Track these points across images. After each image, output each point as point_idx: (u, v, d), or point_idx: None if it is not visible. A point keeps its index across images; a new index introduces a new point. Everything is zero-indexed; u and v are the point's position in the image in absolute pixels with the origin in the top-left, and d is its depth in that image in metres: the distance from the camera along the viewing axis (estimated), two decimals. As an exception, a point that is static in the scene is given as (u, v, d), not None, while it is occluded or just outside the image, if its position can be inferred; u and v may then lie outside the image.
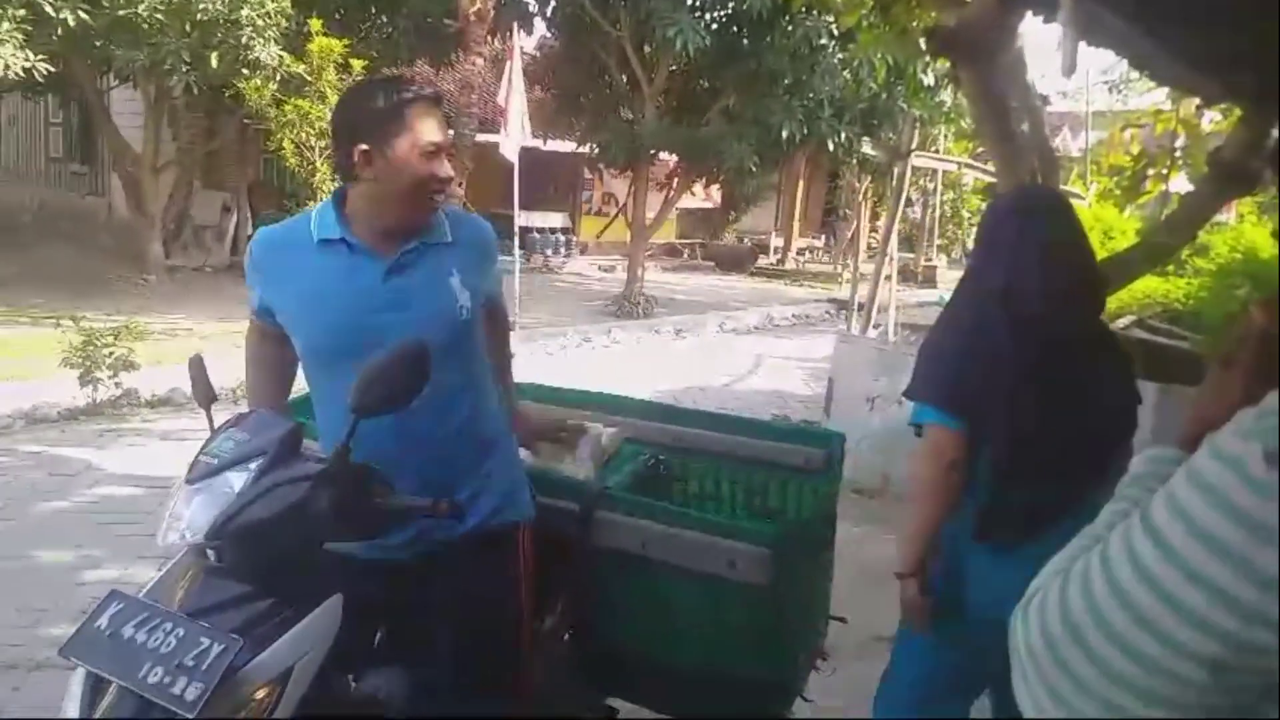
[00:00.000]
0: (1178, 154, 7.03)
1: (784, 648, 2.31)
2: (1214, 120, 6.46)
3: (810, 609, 2.58)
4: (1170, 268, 6.92)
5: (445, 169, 1.93)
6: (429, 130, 1.89)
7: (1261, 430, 0.71)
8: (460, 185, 12.06)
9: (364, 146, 1.85)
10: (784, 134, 11.74)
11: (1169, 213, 6.50)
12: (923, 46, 5.38)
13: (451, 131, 2.03)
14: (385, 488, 1.70)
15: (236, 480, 1.60)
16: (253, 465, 1.61)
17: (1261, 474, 0.70)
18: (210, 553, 1.58)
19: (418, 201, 1.92)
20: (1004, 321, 2.07)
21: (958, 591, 2.11)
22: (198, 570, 1.59)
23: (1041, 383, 2.05)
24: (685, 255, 21.77)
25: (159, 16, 9.62)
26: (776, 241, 22.68)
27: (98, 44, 9.97)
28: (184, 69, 9.96)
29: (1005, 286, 2.09)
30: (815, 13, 10.78)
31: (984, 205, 20.02)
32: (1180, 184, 7.89)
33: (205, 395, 1.99)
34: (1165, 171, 7.14)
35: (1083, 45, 3.73)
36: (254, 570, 1.57)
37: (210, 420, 1.87)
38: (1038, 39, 5.31)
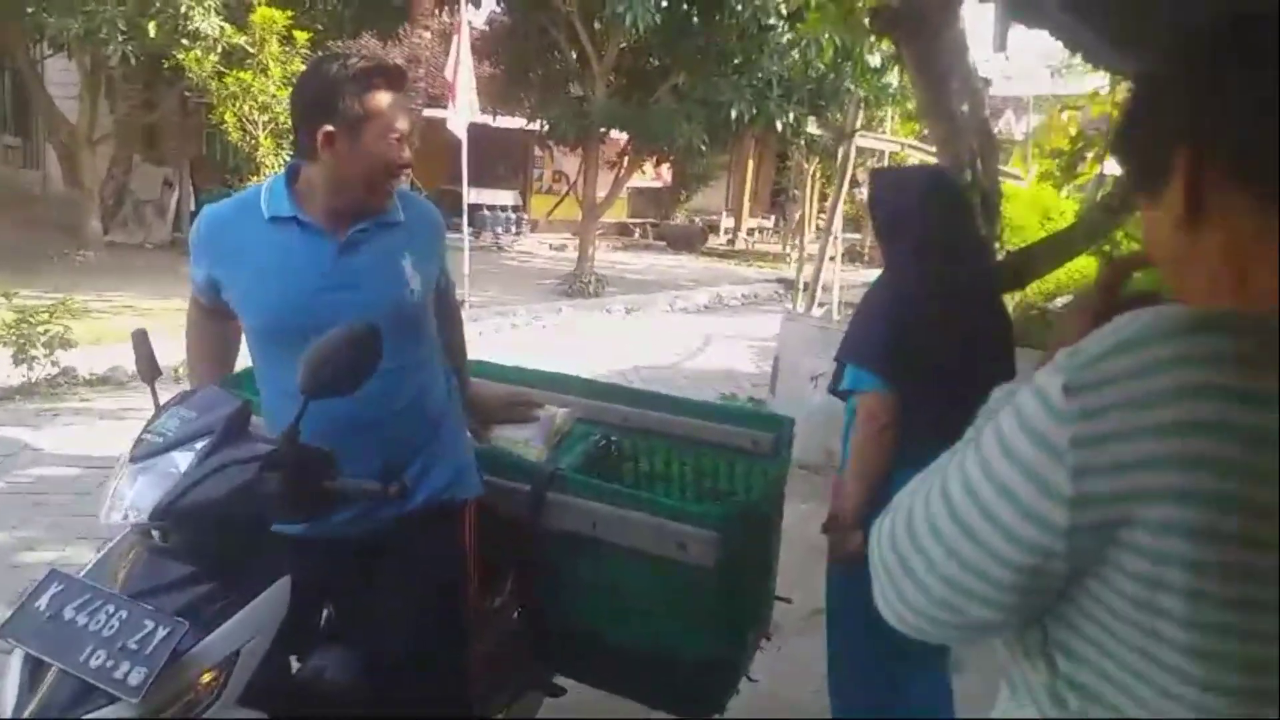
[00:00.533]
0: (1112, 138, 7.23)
1: (731, 628, 2.35)
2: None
3: (757, 589, 2.62)
4: (1106, 248, 7.09)
5: (406, 154, 1.92)
6: (396, 116, 1.88)
7: (1067, 366, 0.82)
8: (408, 161, 11.90)
9: (329, 128, 1.83)
10: (733, 113, 11.78)
11: (1104, 193, 6.67)
12: (868, 26, 5.44)
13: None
14: (334, 470, 1.68)
15: (182, 460, 1.57)
16: (199, 444, 1.59)
17: (1061, 404, 0.81)
18: (154, 533, 1.56)
19: (378, 185, 1.91)
20: (919, 278, 2.30)
21: None
22: (141, 550, 1.57)
23: (943, 342, 2.25)
24: (636, 234, 21.77)
25: (93, -17, 9.35)
26: (727, 221, 22.77)
27: (29, 10, 9.66)
28: (120, 38, 9.70)
29: (915, 245, 2.33)
30: (765, -8, 10.80)
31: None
32: (1115, 166, 8.09)
33: (149, 370, 1.94)
34: (1101, 154, 7.33)
35: (1023, 29, 3.81)
36: (199, 552, 1.55)
37: (155, 396, 1.83)
38: (983, 25, 5.39)
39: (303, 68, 9.34)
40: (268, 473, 1.58)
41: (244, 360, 2.21)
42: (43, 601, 1.47)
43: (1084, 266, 6.75)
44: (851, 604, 2.28)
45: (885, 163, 15.60)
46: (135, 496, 1.56)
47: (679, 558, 2.13)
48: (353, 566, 1.95)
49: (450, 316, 2.29)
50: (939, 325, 2.27)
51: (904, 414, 2.25)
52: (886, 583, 0.96)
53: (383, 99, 1.86)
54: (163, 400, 1.76)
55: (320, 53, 13.30)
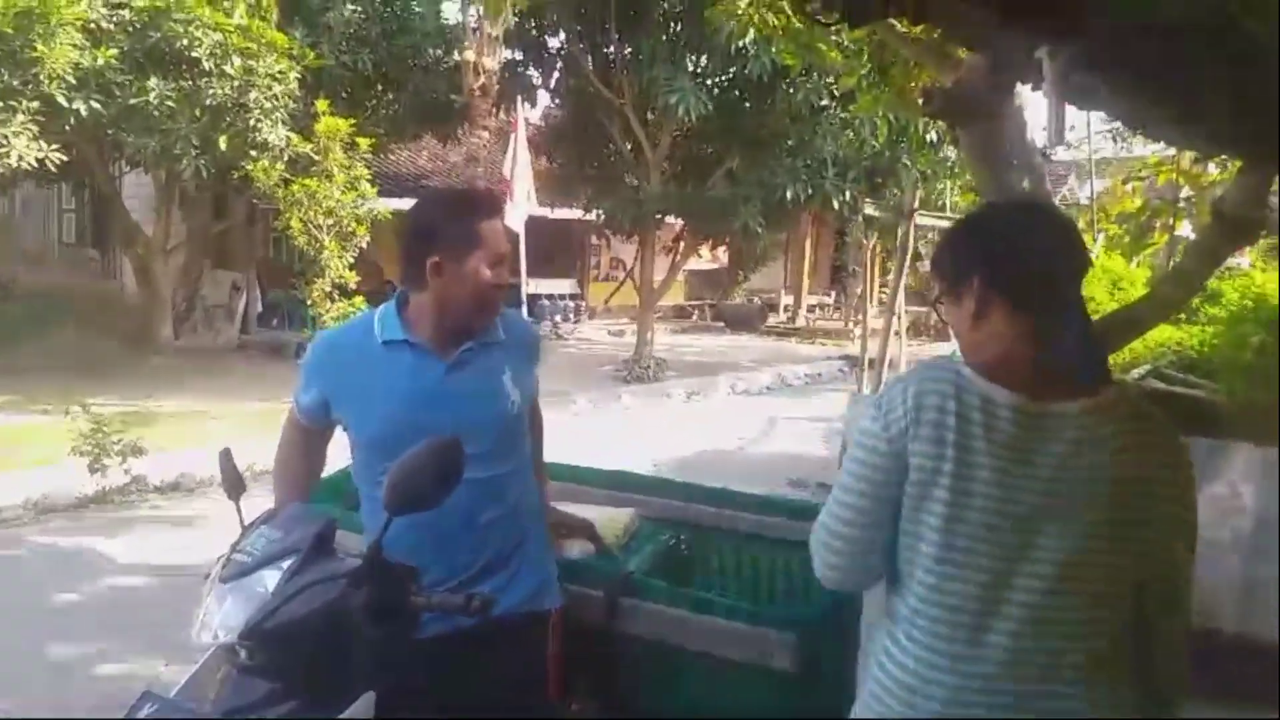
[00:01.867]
0: (1181, 204, 7.05)
1: None
2: (1215, 171, 6.49)
3: (838, 689, 2.51)
4: (1182, 316, 6.88)
5: (507, 276, 2.07)
6: (498, 242, 2.04)
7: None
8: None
9: (436, 258, 1.97)
10: (788, 194, 11.84)
11: (1176, 263, 6.49)
12: (920, 107, 5.43)
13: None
14: (417, 585, 1.70)
15: (270, 579, 1.60)
16: (285, 564, 1.62)
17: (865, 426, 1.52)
18: (242, 651, 1.57)
19: (484, 307, 2.05)
20: None
21: None
22: (230, 669, 1.59)
23: None
24: (694, 316, 21.84)
25: (169, 103, 9.82)
26: (786, 299, 22.76)
27: (109, 132, 10.17)
28: (194, 153, 10.13)
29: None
30: (815, 75, 10.93)
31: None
32: (1189, 231, 7.90)
33: (235, 487, 1.99)
34: (1170, 222, 7.16)
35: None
36: (287, 669, 1.56)
37: (240, 514, 1.87)
38: (1040, 99, 5.34)
39: (364, 172, 9.72)
40: (352, 589, 1.59)
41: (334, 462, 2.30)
42: (137, 722, 1.48)
43: (1162, 337, 6.53)
44: None
45: (943, 236, 15.53)
46: (225, 616, 1.59)
47: (758, 662, 2.06)
48: (438, 674, 1.94)
49: (535, 426, 2.39)
50: None
51: None
52: (822, 556, 1.59)
53: (485, 228, 2.01)
54: (247, 517, 1.80)
55: (381, 156, 13.79)
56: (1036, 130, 5.10)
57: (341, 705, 1.58)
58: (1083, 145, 13.39)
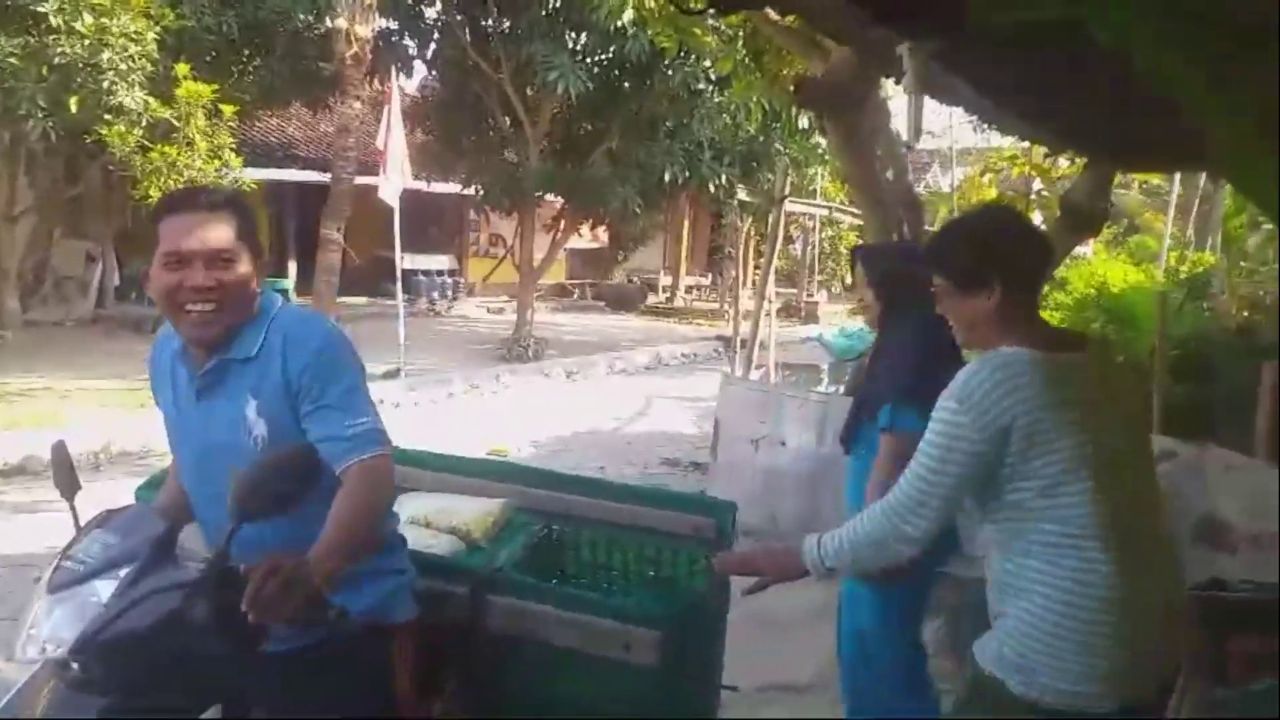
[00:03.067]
0: (1033, 197, 7.47)
1: None
2: (1065, 165, 6.88)
3: (703, 683, 2.57)
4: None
5: (195, 278, 1.77)
6: (171, 237, 1.79)
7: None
8: (339, 230, 11.85)
9: (145, 266, 1.87)
10: (666, 176, 11.96)
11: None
12: (792, 96, 5.57)
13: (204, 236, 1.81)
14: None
15: (104, 589, 1.52)
16: (122, 572, 1.54)
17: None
18: (74, 665, 1.49)
19: (174, 314, 1.83)
20: (924, 332, 2.67)
21: None
22: (59, 684, 1.49)
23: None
24: (575, 295, 21.81)
25: (12, 60, 9.17)
26: (665, 280, 22.97)
27: (-56, 87, 9.44)
28: (40, 114, 9.50)
29: (918, 307, 2.64)
30: (693, 58, 11.03)
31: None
32: (1040, 222, 8.34)
33: (69, 485, 1.88)
34: (1024, 211, 7.58)
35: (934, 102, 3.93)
36: (124, 683, 1.48)
37: (75, 514, 1.77)
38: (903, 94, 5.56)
39: (228, 140, 9.33)
40: (195, 599, 1.52)
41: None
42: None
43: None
44: (880, 613, 2.81)
45: (816, 223, 15.89)
46: (53, 629, 1.51)
47: (623, 658, 2.08)
48: (280, 687, 1.82)
49: (351, 482, 1.79)
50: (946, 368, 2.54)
51: None
52: (905, 525, 1.81)
53: (163, 225, 1.81)
54: (82, 518, 1.71)
55: (248, 124, 13.21)
56: (899, 120, 5.31)
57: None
58: (945, 135, 13.97)
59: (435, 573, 2.22)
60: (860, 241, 18.03)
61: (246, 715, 1.69)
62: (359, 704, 1.91)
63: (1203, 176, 9.67)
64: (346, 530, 1.74)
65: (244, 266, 1.83)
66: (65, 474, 1.90)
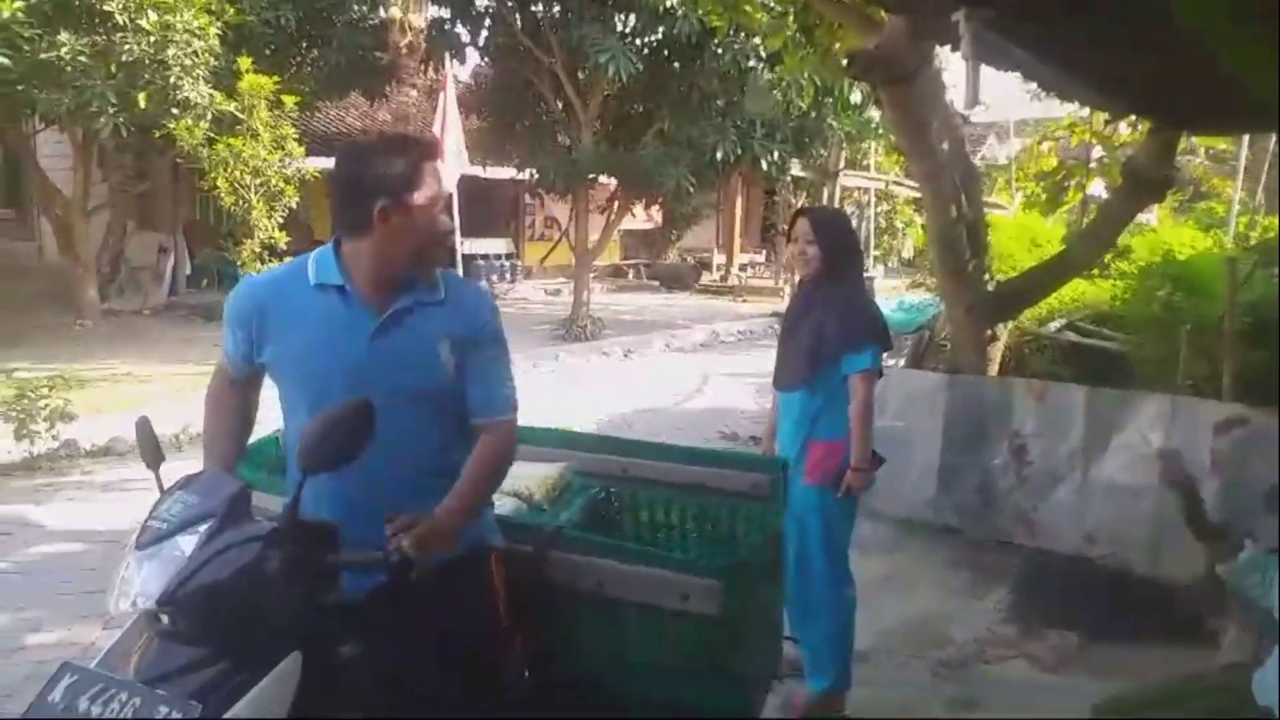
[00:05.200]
0: (1093, 165, 7.31)
1: (739, 675, 2.35)
2: (1126, 132, 6.73)
3: (764, 634, 2.63)
4: (1095, 271, 7.14)
5: (449, 222, 2.02)
6: (438, 183, 1.98)
7: None
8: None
9: (383, 203, 1.89)
10: (718, 155, 11.92)
11: (1089, 220, 6.74)
12: (845, 69, 5.55)
13: None
14: (336, 544, 1.72)
15: (186, 544, 1.60)
16: (202, 528, 1.62)
17: None
18: (163, 617, 1.58)
19: (430, 254, 1.99)
20: (861, 284, 3.48)
21: None
22: (151, 635, 1.59)
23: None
24: (630, 275, 21.87)
25: (82, 59, 9.47)
26: (719, 258, 22.89)
27: (19, 88, 9.78)
28: (111, 110, 9.80)
29: (856, 261, 3.51)
30: (743, 36, 10.97)
31: (909, 217, 20.23)
32: (1100, 190, 8.17)
33: (154, 457, 1.96)
34: (1083, 181, 7.43)
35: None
36: (209, 633, 1.57)
37: (159, 482, 1.85)
38: (960, 63, 5.49)
39: (290, 131, 9.53)
40: (269, 551, 1.61)
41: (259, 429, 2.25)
42: (56, 694, 1.49)
43: (1075, 292, 6.79)
44: (825, 511, 3.23)
45: (871, 197, 15.71)
46: (142, 583, 1.59)
47: (683, 608, 2.13)
48: (377, 624, 1.91)
49: (494, 441, 2.05)
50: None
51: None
52: None
53: (428, 169, 1.95)
54: (167, 484, 1.79)
55: (308, 115, 13.44)
56: (955, 92, 5.26)
57: (268, 667, 1.58)
58: (999, 107, 13.69)
59: (501, 530, 2.29)
60: (874, 214, 17.74)
61: (331, 658, 1.76)
62: (459, 633, 2.00)
63: (1272, 139, 9.38)
64: (486, 485, 2.03)
65: None
66: (150, 447, 1.98)
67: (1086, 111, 6.96)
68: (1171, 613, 4.07)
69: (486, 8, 12.89)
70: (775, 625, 2.76)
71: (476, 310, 2.06)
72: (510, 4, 12.44)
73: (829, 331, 3.20)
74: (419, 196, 1.92)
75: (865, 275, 20.49)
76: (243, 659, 1.57)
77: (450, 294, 2.03)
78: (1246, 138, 9.38)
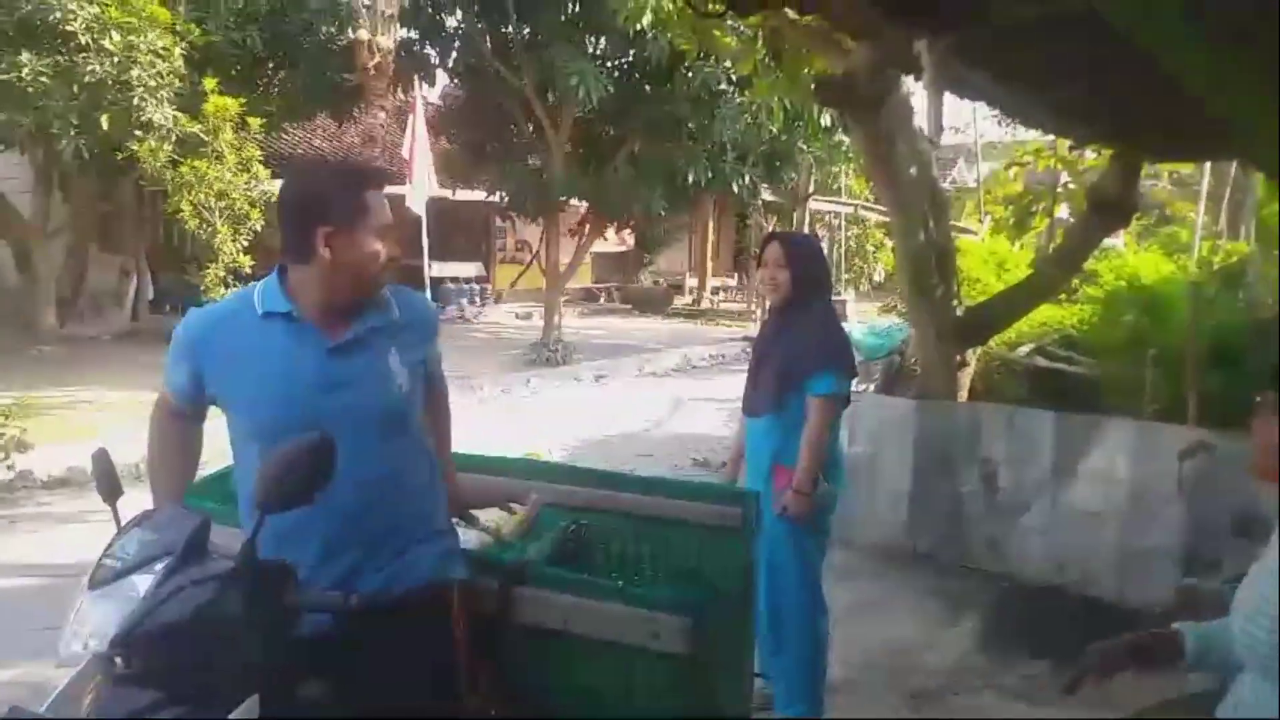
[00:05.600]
0: (1060, 190, 7.41)
1: (711, 712, 2.30)
2: (1092, 157, 6.80)
3: (734, 670, 2.58)
4: (1064, 296, 7.20)
5: (395, 249, 2.00)
6: (386, 214, 1.98)
7: None
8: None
9: (328, 228, 1.89)
10: (689, 178, 11.95)
11: (1055, 245, 6.80)
12: (814, 95, 5.56)
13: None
14: (293, 583, 1.69)
15: (142, 583, 1.56)
16: (158, 566, 1.57)
17: None
18: (117, 660, 1.52)
19: (372, 280, 1.98)
20: (831, 310, 3.41)
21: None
22: (104, 679, 1.53)
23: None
24: (602, 299, 21.86)
25: (44, 79, 9.34)
26: (691, 282, 22.96)
27: (-24, 107, 9.64)
28: (72, 132, 9.67)
29: (825, 288, 3.47)
30: (713, 60, 11.03)
31: (876, 241, 20.36)
32: (1069, 215, 8.25)
33: (110, 491, 1.92)
34: (1049, 207, 7.50)
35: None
36: (164, 676, 1.52)
37: (116, 517, 1.81)
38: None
39: (256, 153, 9.43)
40: (227, 590, 1.57)
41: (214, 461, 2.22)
42: (0, 744, 1.42)
43: (1044, 316, 6.83)
44: (795, 539, 3.20)
45: (842, 222, 15.82)
46: (95, 624, 1.54)
47: (654, 646, 2.09)
48: (337, 666, 1.87)
49: (437, 405, 2.32)
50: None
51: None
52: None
53: (372, 195, 1.95)
54: (124, 519, 1.75)
55: (274, 136, 13.32)
56: (923, 117, 5.28)
57: (225, 710, 1.53)
58: (969, 130, 13.87)
59: (467, 566, 2.24)
60: (844, 238, 18.03)
61: (289, 700, 1.71)
62: (416, 671, 1.97)
63: (1233, 165, 9.53)
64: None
65: None
66: (107, 481, 1.94)
67: (1053, 137, 7.02)
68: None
69: (456, 29, 12.89)
70: (746, 661, 2.71)
71: (426, 322, 2.18)
72: (480, 25, 12.44)
73: (794, 357, 3.22)
74: (363, 224, 1.92)
75: (837, 299, 20.65)
76: (199, 703, 1.52)
77: (403, 312, 2.07)
78: (1208, 164, 9.53)
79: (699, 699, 2.20)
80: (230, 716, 1.54)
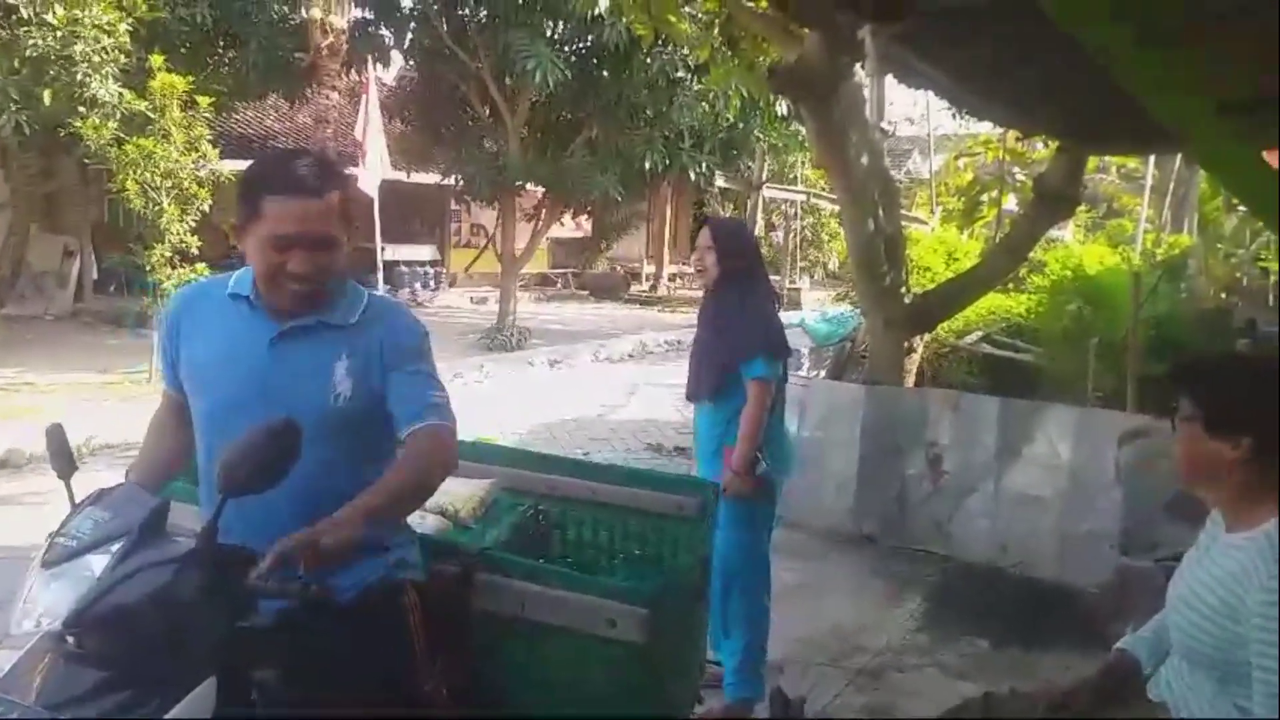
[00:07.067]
0: (1007, 180, 7.56)
1: (663, 700, 2.33)
2: (1042, 149, 6.95)
3: (686, 659, 2.61)
4: (1011, 285, 7.34)
5: (299, 264, 1.82)
6: (281, 221, 1.80)
7: None
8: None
9: (234, 221, 1.88)
10: (646, 164, 11.95)
11: (1003, 234, 6.93)
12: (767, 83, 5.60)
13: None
14: (256, 570, 1.63)
15: (97, 563, 1.53)
16: (114, 547, 1.55)
17: None
18: (69, 639, 1.50)
19: (275, 288, 1.88)
20: (768, 295, 3.45)
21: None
22: (56, 657, 1.50)
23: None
24: (559, 285, 21.80)
25: (-17, 53, 9.09)
26: (648, 268, 22.98)
27: (-86, 82, 9.34)
28: (13, 107, 9.41)
29: (757, 271, 3.46)
30: (671, 46, 11.03)
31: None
32: (1016, 206, 8.41)
33: (65, 466, 1.87)
34: (998, 197, 7.65)
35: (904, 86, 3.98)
36: (118, 657, 1.49)
37: (70, 494, 1.78)
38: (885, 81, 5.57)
39: (204, 132, 9.26)
40: (185, 574, 1.54)
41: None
42: (-49, 720, 1.40)
43: (992, 305, 6.96)
44: (743, 522, 3.23)
45: (798, 210, 15.93)
46: (49, 603, 1.52)
47: (609, 635, 2.10)
48: (290, 653, 1.84)
49: (412, 451, 1.91)
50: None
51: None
52: None
53: (268, 201, 1.81)
54: (79, 497, 1.72)
55: (224, 116, 13.09)
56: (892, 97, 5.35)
57: (180, 694, 1.50)
58: (924, 122, 14.05)
59: (424, 552, 2.25)
60: (800, 227, 18.25)
61: (245, 685, 1.69)
62: (372, 666, 1.94)
63: (1177, 159, 9.76)
64: (388, 495, 1.83)
65: (342, 248, 1.89)
66: (62, 455, 1.89)
67: (1002, 129, 7.15)
68: (1075, 619, 4.18)
69: (411, 10, 12.72)
70: (699, 648, 2.74)
71: (392, 331, 1.98)
72: (435, 7, 12.30)
73: (726, 343, 3.27)
74: (253, 223, 1.83)
75: (791, 287, 20.82)
76: (153, 684, 1.50)
77: (366, 317, 1.96)
78: (1154, 157, 9.74)
79: (652, 686, 2.22)
80: (186, 699, 1.51)
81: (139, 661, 1.51)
